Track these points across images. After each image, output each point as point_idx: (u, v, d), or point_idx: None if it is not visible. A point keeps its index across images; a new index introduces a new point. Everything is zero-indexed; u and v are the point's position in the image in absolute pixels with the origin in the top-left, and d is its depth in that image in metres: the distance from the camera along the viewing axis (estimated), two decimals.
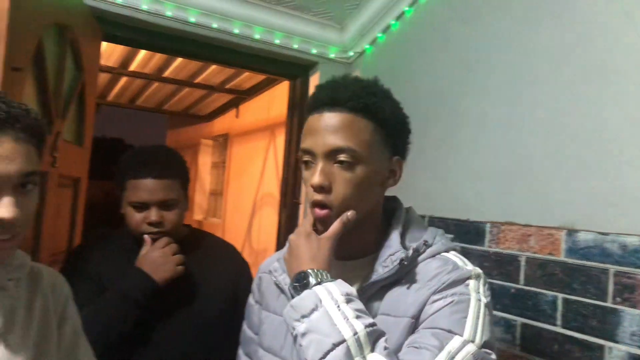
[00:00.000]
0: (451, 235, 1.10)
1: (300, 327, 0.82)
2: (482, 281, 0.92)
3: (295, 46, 2.61)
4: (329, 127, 0.92)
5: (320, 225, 0.94)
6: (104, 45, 2.48)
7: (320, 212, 0.93)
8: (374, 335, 0.80)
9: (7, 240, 0.85)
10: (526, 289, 1.56)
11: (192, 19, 2.34)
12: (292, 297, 0.86)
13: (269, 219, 4.09)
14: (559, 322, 1.46)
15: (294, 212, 2.79)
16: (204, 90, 4.75)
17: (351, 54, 2.71)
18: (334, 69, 2.73)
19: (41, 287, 1.02)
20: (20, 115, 0.85)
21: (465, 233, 1.82)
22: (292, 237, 0.96)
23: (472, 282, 0.90)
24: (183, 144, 7.03)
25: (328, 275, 0.87)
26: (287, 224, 2.80)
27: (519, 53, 1.72)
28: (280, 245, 2.84)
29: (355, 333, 0.78)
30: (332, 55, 2.71)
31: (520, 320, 1.57)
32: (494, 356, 0.85)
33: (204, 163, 6.70)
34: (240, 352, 1.17)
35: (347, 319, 0.80)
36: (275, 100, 4.32)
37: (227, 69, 3.89)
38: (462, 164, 1.90)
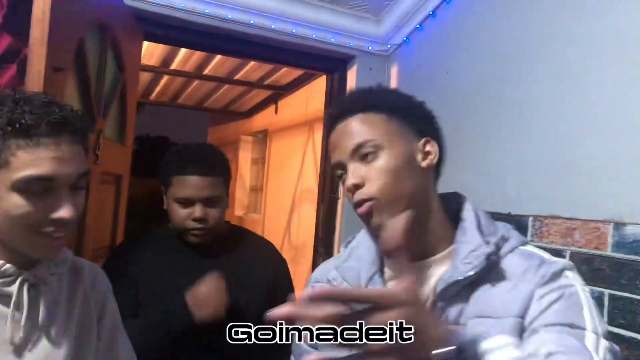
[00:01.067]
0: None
1: None
2: (575, 271, 0.88)
3: (332, 40, 2.60)
4: (345, 133, 0.94)
5: (370, 222, 0.90)
6: (146, 44, 2.54)
7: (364, 208, 0.89)
8: None
9: (61, 237, 0.89)
10: None
11: (230, 16, 2.36)
12: None
13: (308, 214, 4.10)
14: (605, 319, 1.40)
15: (333, 206, 2.78)
16: (243, 87, 4.79)
17: (389, 46, 2.67)
18: (372, 61, 2.70)
19: (82, 281, 1.05)
20: (73, 117, 0.89)
21: None
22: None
23: (569, 273, 0.86)
24: (224, 140, 7.13)
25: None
26: (325, 219, 2.80)
27: (564, 40, 1.66)
28: (318, 240, 2.84)
29: None
30: (369, 48, 2.68)
31: None
32: (616, 347, 0.80)
33: (244, 159, 6.78)
34: None
35: None
36: (313, 95, 4.32)
37: (265, 65, 3.91)
38: (503, 156, 1.84)
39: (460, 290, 0.86)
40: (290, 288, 1.66)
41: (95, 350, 1.02)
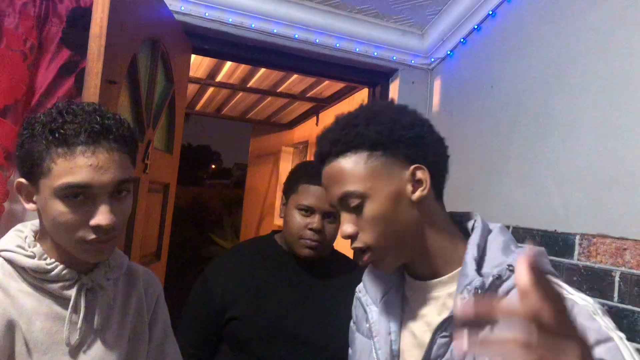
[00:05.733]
0: (541, 248, 0.95)
1: None
2: (600, 311, 0.77)
3: (375, 53, 2.61)
4: (328, 181, 0.92)
5: (375, 268, 0.94)
6: (193, 57, 2.61)
7: (365, 259, 0.90)
8: None
9: (104, 242, 0.91)
10: (621, 307, 1.45)
11: (275, 30, 2.40)
12: None
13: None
14: None
15: None
16: (285, 99, 4.85)
17: (432, 59, 2.66)
18: (415, 75, 2.70)
19: (137, 286, 1.08)
20: (114, 125, 0.90)
21: (552, 245, 1.72)
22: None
23: (599, 319, 0.74)
24: (265, 150, 7.22)
25: None
26: None
27: (613, 52, 1.62)
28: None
29: None
30: (412, 62, 2.68)
31: None
32: None
33: (285, 169, 6.83)
34: None
35: None
36: (354, 107, 4.33)
37: (308, 78, 3.95)
38: (549, 171, 1.80)
39: None
40: None
41: (146, 354, 1.06)
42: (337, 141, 0.91)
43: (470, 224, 0.94)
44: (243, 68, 3.85)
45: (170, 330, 1.15)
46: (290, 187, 1.54)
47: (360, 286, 1.04)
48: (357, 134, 0.89)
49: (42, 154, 0.87)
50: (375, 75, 2.76)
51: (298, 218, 1.48)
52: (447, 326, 0.84)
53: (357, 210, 0.88)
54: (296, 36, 2.45)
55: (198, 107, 5.43)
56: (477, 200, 2.21)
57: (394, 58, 2.65)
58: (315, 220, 1.46)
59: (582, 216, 1.64)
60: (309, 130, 5.81)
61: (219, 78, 4.17)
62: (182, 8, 2.20)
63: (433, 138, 0.93)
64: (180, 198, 2.34)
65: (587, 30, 1.74)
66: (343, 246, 1.34)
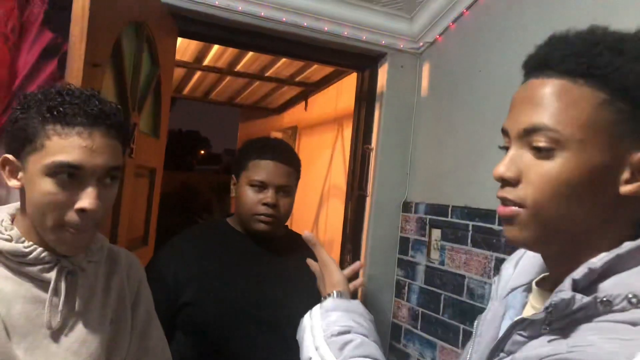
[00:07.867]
0: None
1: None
2: None
3: (364, 37, 2.59)
4: (528, 99, 0.66)
5: (504, 229, 0.68)
6: (180, 40, 2.58)
7: (506, 210, 0.66)
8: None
9: (84, 233, 0.91)
10: None
11: (263, 13, 2.37)
12: None
13: (336, 211, 4.11)
14: None
15: (361, 204, 2.78)
16: (274, 84, 4.82)
17: (421, 44, 2.65)
18: (403, 59, 2.68)
19: (118, 268, 1.08)
20: (111, 112, 0.92)
21: None
22: None
23: None
24: (253, 136, 7.17)
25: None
26: (353, 216, 2.80)
27: None
28: (346, 237, 2.84)
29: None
30: (401, 46, 2.66)
31: None
32: None
33: None
34: None
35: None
36: (343, 92, 4.31)
37: (296, 62, 3.92)
38: None
39: (542, 333, 0.62)
40: None
41: (129, 337, 1.05)
42: (579, 55, 0.64)
43: None
44: (231, 51, 3.82)
45: (154, 314, 1.15)
46: (240, 164, 1.53)
47: (514, 257, 0.84)
48: (611, 64, 0.61)
49: (36, 129, 0.87)
50: (363, 59, 2.75)
51: (251, 194, 1.48)
52: (528, 326, 0.63)
53: (540, 154, 0.63)
54: (284, 19, 2.42)
55: (185, 91, 5.39)
56: (463, 185, 2.22)
57: (383, 42, 2.63)
58: (268, 195, 1.46)
59: None
60: (298, 115, 5.79)
61: (206, 62, 4.13)
62: None
63: None
64: (168, 184, 2.33)
65: (574, 11, 1.75)
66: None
